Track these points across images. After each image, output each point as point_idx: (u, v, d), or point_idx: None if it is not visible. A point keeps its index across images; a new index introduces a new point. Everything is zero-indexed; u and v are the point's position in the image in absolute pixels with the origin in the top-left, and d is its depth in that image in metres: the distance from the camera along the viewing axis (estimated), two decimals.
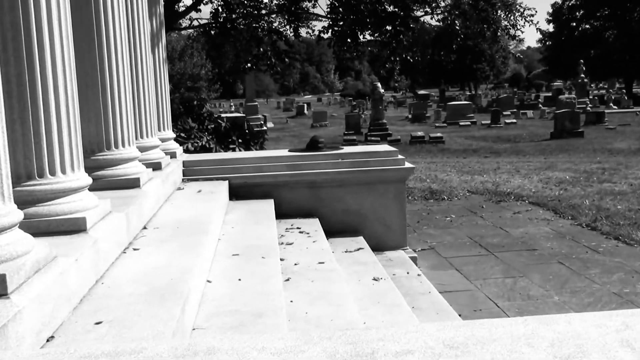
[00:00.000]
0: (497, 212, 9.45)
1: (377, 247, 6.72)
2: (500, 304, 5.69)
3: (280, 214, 6.58)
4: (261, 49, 13.44)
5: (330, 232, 6.62)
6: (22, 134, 3.18)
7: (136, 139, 5.64)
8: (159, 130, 6.66)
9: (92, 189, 4.54)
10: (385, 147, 7.14)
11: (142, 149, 5.62)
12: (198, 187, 6.06)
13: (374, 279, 5.17)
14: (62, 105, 3.29)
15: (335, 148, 7.11)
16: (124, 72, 4.71)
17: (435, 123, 33.00)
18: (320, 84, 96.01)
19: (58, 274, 2.60)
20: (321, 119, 36.65)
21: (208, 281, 3.84)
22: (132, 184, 4.67)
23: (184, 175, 6.54)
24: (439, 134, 24.41)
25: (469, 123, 31.49)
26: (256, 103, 33.05)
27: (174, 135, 6.94)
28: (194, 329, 3.10)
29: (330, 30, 13.05)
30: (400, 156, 6.83)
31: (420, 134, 24.61)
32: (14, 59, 3.10)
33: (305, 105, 50.37)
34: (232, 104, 58.08)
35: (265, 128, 31.82)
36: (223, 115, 29.83)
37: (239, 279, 3.88)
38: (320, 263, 4.92)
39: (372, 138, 24.73)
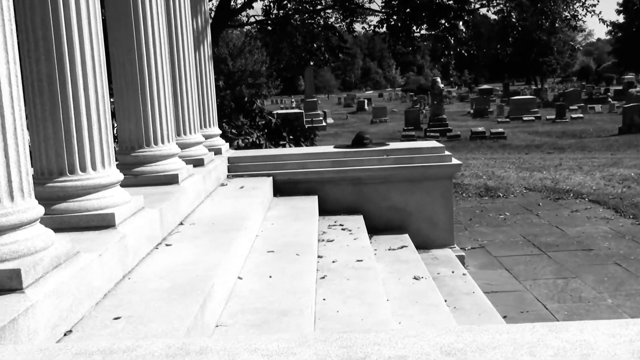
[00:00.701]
0: (554, 210, 9.15)
1: (423, 245, 6.61)
2: (549, 306, 5.49)
3: (324, 211, 6.55)
4: (315, 45, 13.42)
5: (375, 230, 6.55)
6: (53, 132, 3.25)
7: (178, 135, 5.71)
8: (205, 126, 6.73)
9: (132, 184, 4.63)
10: (431, 144, 7.00)
11: (183, 146, 5.70)
12: (241, 184, 6.09)
13: (415, 278, 5.07)
14: (92, 103, 3.34)
15: (381, 144, 7.02)
16: (162, 71, 4.76)
17: (498, 118, 32.27)
18: (382, 80, 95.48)
19: (78, 269, 2.64)
20: (381, 114, 36.43)
21: (239, 278, 3.84)
22: (171, 180, 4.72)
23: (229, 172, 6.59)
24: (500, 129, 23.86)
25: (532, 118, 30.65)
26: (315, 99, 33.12)
27: (220, 132, 6.99)
28: (217, 326, 3.09)
29: (384, 25, 12.91)
30: (447, 152, 6.68)
31: (480, 129, 24.10)
32: (44, 58, 3.17)
33: (366, 100, 50.21)
34: (292, 100, 58.43)
35: (324, 124, 31.90)
36: (281, 111, 30.08)
37: (270, 276, 3.86)
38: (358, 261, 4.86)
39: (431, 134, 24.40)
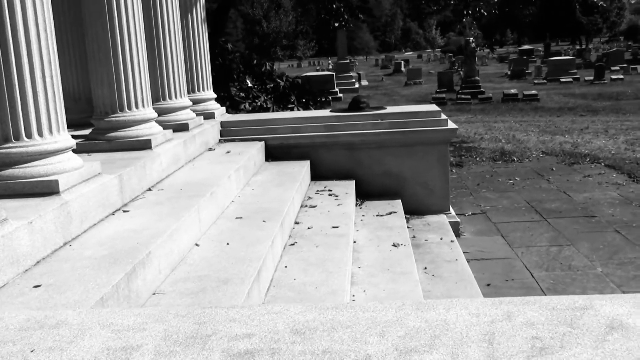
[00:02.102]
0: (566, 175, 8.89)
1: (418, 211, 6.51)
2: (535, 275, 5.36)
3: (317, 176, 6.49)
4: (334, 5, 13.17)
5: (369, 195, 6.48)
6: None
7: (161, 100, 5.69)
8: (197, 91, 6.68)
9: (105, 149, 4.64)
10: (428, 107, 6.82)
11: (167, 110, 5.67)
12: (229, 148, 6.05)
13: (394, 245, 4.99)
14: (37, 69, 3.31)
15: (378, 108, 6.88)
16: (136, 36, 4.71)
17: (535, 80, 31.43)
18: (422, 41, 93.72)
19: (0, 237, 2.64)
20: (415, 76, 35.86)
21: (196, 245, 3.83)
22: (144, 145, 4.71)
23: (222, 136, 6.55)
24: (533, 92, 23.22)
25: (570, 79, 29.74)
26: (348, 60, 32.70)
27: (214, 96, 6.94)
28: (154, 294, 3.09)
29: None
30: (443, 116, 6.51)
31: (513, 91, 23.50)
32: None
33: (403, 62, 49.42)
34: (330, 61, 57.87)
35: (357, 85, 31.54)
36: (311, 74, 29.72)
37: (227, 243, 3.84)
38: (334, 227, 4.80)
39: (462, 96, 23.91)
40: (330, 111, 7.12)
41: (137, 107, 4.77)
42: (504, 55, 57.12)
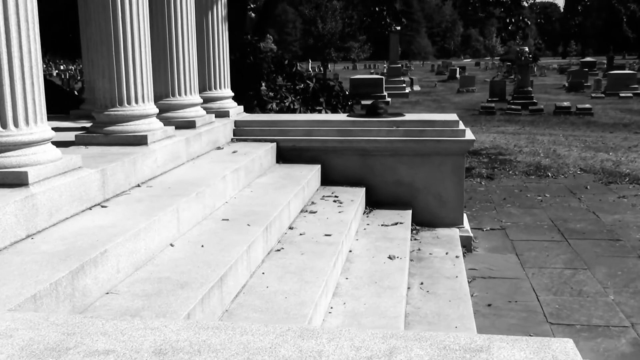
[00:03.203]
0: (600, 195, 8.51)
1: (430, 223, 6.31)
2: (542, 298, 5.11)
3: (328, 181, 6.37)
4: (376, 8, 13.01)
5: (380, 204, 6.32)
6: None
7: (170, 96, 5.67)
8: (213, 88, 6.65)
9: (103, 143, 4.64)
10: (446, 117, 6.61)
11: (175, 107, 5.66)
12: (238, 148, 5.98)
13: (389, 257, 4.83)
14: (16, 59, 3.30)
15: (397, 115, 6.70)
16: (139, 30, 4.69)
17: (592, 93, 30.44)
18: (482, 48, 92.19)
19: None
20: (469, 84, 35.35)
21: (171, 245, 3.76)
22: (140, 140, 4.68)
23: (235, 135, 6.49)
24: (587, 105, 22.47)
25: (630, 94, 28.70)
26: (399, 65, 32.38)
27: (231, 94, 6.89)
28: (108, 293, 3.03)
29: None
30: (461, 127, 6.30)
31: (566, 104, 22.82)
32: None
33: (458, 69, 48.72)
34: (385, 65, 57.54)
35: (407, 91, 31.21)
36: (356, 76, 29.57)
37: (202, 246, 3.76)
38: (326, 235, 4.67)
39: (512, 106, 23.35)
40: (348, 115, 6.98)
41: (136, 102, 4.75)
42: (564, 66, 55.69)
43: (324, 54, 43.52)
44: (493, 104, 24.22)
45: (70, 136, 4.85)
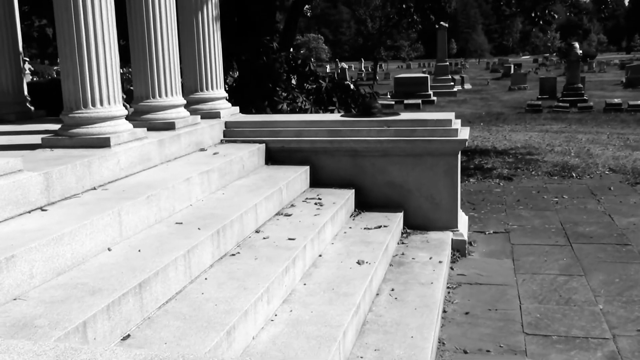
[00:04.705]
0: (622, 196, 8.05)
1: (422, 226, 6.09)
2: (524, 306, 4.83)
3: (318, 183, 6.23)
4: (404, 5, 12.76)
5: (371, 206, 6.14)
6: None
7: (150, 98, 5.63)
8: (205, 89, 6.59)
9: (68, 146, 4.64)
10: (439, 115, 6.35)
11: (155, 109, 5.62)
12: (222, 150, 5.90)
13: (357, 263, 4.64)
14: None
15: (391, 114, 6.49)
16: (103, 31, 4.65)
17: None
18: (542, 44, 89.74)
19: None
20: (520, 81, 34.45)
21: (109, 249, 3.69)
22: (103, 143, 4.65)
23: (225, 137, 6.41)
24: (639, 102, 21.51)
25: None
26: (446, 63, 31.75)
27: (224, 95, 6.81)
28: (15, 299, 2.97)
29: None
30: (454, 126, 6.04)
31: (617, 101, 21.91)
32: None
33: (513, 66, 47.57)
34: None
35: (455, 89, 30.59)
36: (402, 75, 29.23)
37: (139, 250, 3.68)
38: (290, 239, 4.53)
39: (560, 104, 22.58)
40: (341, 115, 6.81)
41: (101, 104, 4.72)
42: (626, 62, 53.64)
43: (374, 53, 43.20)
44: (540, 102, 23.46)
45: (39, 139, 4.86)
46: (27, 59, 27.25)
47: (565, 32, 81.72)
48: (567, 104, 22.37)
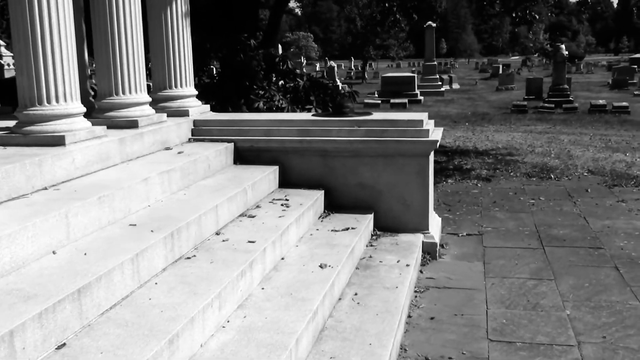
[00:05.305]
0: (598, 199, 7.98)
1: (392, 228, 5.98)
2: (491, 311, 4.72)
3: (288, 183, 6.11)
4: (386, 5, 12.64)
5: (341, 207, 6.02)
6: None
7: (114, 95, 5.49)
8: (175, 87, 6.46)
9: (22, 144, 4.48)
10: (410, 115, 6.23)
11: (117, 106, 5.49)
12: (187, 149, 5.76)
13: (320, 266, 4.52)
14: None
15: (364, 114, 6.36)
16: (59, 25, 4.51)
17: (635, 91, 29.25)
18: (531, 45, 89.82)
19: None
20: (508, 82, 34.49)
21: (53, 252, 3.55)
22: (57, 141, 4.50)
23: (194, 135, 6.27)
24: (624, 103, 21.51)
25: None
26: (434, 62, 31.64)
27: (194, 93, 6.67)
28: None
29: None
30: (426, 127, 5.92)
31: (601, 102, 21.91)
32: None
33: (501, 66, 47.64)
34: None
35: (442, 89, 30.50)
36: (389, 74, 29.08)
37: (85, 253, 3.54)
38: (250, 242, 4.40)
39: (547, 104, 22.56)
40: (312, 115, 6.68)
41: (57, 101, 4.57)
42: (613, 63, 53.86)
43: (363, 51, 43.11)
44: (526, 102, 23.43)
45: None
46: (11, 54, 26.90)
47: (554, 33, 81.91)
48: (553, 105, 22.35)
